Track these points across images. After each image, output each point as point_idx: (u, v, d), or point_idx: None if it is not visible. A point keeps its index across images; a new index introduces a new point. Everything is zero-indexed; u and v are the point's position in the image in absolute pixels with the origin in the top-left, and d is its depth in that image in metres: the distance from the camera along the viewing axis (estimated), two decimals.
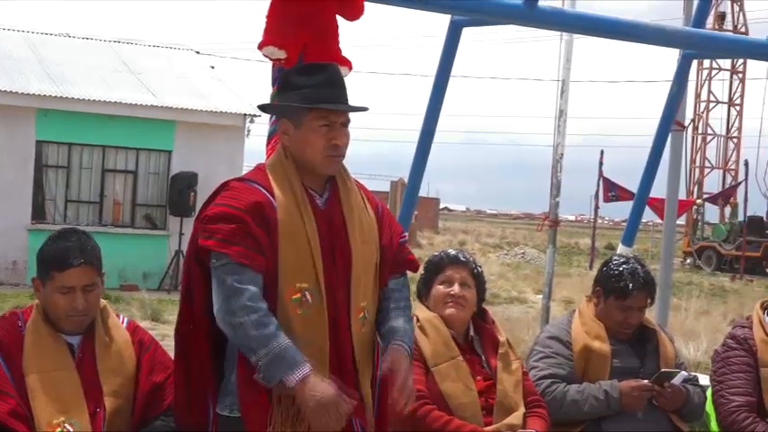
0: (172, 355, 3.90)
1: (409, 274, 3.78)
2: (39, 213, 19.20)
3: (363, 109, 3.58)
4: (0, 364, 3.63)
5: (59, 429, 3.58)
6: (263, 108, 3.87)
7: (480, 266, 4.58)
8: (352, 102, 3.57)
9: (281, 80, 3.65)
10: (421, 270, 4.44)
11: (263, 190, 3.44)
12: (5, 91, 18.56)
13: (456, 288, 4.40)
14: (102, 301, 3.87)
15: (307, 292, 3.38)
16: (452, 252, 4.54)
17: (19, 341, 3.70)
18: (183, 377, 3.59)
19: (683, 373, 4.69)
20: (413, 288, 4.82)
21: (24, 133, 18.85)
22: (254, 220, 3.35)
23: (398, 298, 3.65)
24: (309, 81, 3.47)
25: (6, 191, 18.55)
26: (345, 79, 3.70)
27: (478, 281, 4.49)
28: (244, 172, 3.74)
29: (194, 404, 3.57)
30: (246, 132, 20.56)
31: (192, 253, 3.50)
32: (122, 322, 3.94)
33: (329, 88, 3.48)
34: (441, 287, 4.43)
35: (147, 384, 3.82)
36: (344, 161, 3.62)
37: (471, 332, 4.44)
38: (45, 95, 18.88)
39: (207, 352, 3.54)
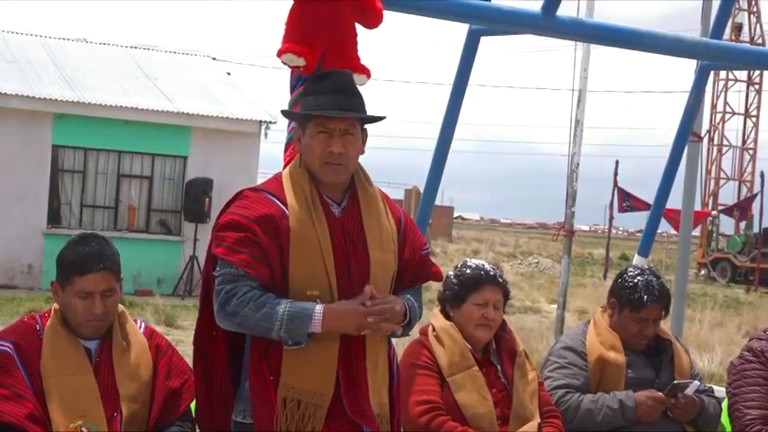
0: (188, 360, 3.92)
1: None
2: (54, 218, 19.28)
3: (372, 118, 3.56)
4: (18, 367, 3.65)
5: None
6: (284, 114, 3.89)
7: (509, 285, 4.52)
8: (369, 109, 3.56)
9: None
10: (453, 280, 4.41)
11: (276, 200, 3.46)
12: (23, 95, 18.65)
13: (491, 312, 4.33)
14: (120, 306, 3.89)
15: (318, 300, 3.38)
16: (491, 271, 4.38)
17: (37, 345, 3.71)
18: (204, 386, 3.61)
19: (696, 382, 4.67)
20: (431, 295, 4.80)
21: (41, 138, 18.94)
22: (263, 230, 3.37)
23: (412, 292, 3.64)
24: (315, 88, 3.52)
25: (22, 195, 18.64)
26: (363, 88, 3.70)
27: (506, 300, 4.46)
28: (259, 178, 3.76)
29: (217, 412, 3.60)
30: (265, 135, 20.57)
31: (208, 262, 3.53)
32: (140, 327, 3.96)
33: (330, 95, 3.47)
34: (475, 307, 4.33)
35: (164, 389, 3.83)
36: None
37: (493, 344, 4.42)
38: (62, 100, 18.98)
39: (225, 360, 3.57)
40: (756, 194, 34.00)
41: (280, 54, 4.13)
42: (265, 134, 20.57)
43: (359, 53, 4.28)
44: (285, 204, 3.45)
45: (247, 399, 3.46)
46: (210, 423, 3.64)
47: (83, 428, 3.59)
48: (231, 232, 3.38)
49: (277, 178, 3.58)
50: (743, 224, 38.09)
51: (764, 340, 4.82)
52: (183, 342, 10.58)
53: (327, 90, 3.49)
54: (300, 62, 4.10)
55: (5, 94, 18.54)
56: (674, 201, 8.85)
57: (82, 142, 19.39)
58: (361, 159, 3.62)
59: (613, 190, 26.03)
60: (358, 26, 4.31)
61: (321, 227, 3.44)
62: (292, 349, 3.37)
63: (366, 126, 3.61)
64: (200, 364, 3.61)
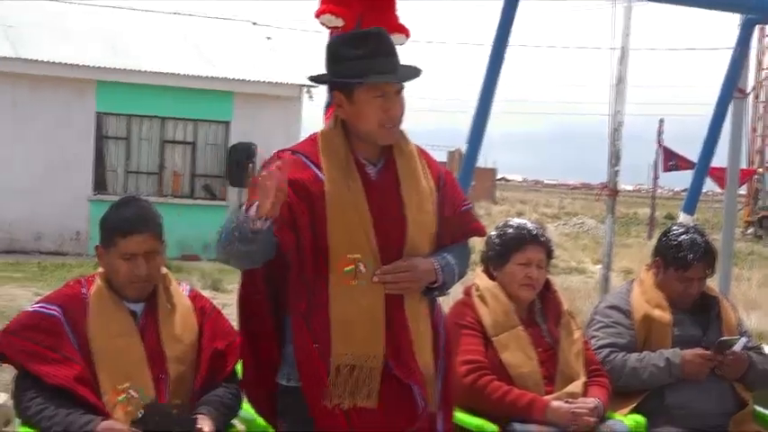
0: (232, 323, 3.94)
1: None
2: (100, 184, 19.48)
3: (416, 75, 3.50)
4: (66, 331, 3.68)
5: (124, 395, 3.61)
6: (314, 79, 3.82)
7: (552, 243, 4.47)
8: (403, 63, 3.47)
9: (328, 51, 3.54)
10: (495, 240, 4.38)
11: (310, 163, 3.43)
12: (66, 63, 18.77)
13: (534, 271, 4.31)
14: (164, 269, 3.90)
15: (360, 263, 3.37)
16: (533, 230, 4.35)
17: (83, 309, 3.74)
18: (251, 349, 3.60)
19: (743, 339, 4.61)
20: (475, 256, 4.79)
21: (84, 105, 19.09)
22: (294, 192, 3.32)
23: (454, 249, 3.60)
24: (357, 52, 3.40)
25: (68, 162, 18.83)
26: (401, 48, 3.66)
27: (550, 259, 4.42)
28: None
29: (263, 376, 3.58)
30: (310, 96, 20.57)
31: None
32: (184, 290, 3.97)
33: (379, 58, 3.40)
34: (518, 267, 4.31)
35: (210, 351, 3.84)
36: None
37: (538, 304, 4.40)
38: (105, 67, 19.08)
39: (271, 322, 3.55)
40: None
41: (318, 15, 4.12)
42: (310, 96, 20.59)
43: (397, 12, 4.26)
44: (319, 167, 3.42)
45: (291, 362, 3.46)
46: (257, 386, 3.63)
47: (130, 390, 3.62)
48: None
49: (313, 139, 3.54)
50: None
51: None
52: (229, 305, 10.61)
53: (374, 52, 3.40)
54: (339, 23, 4.09)
55: (49, 62, 18.67)
56: (720, 159, 8.75)
57: (125, 109, 19.52)
58: (404, 122, 3.56)
59: (658, 149, 25.80)
60: None
61: (356, 190, 3.41)
62: (339, 316, 3.35)
63: None
64: (245, 326, 3.60)
